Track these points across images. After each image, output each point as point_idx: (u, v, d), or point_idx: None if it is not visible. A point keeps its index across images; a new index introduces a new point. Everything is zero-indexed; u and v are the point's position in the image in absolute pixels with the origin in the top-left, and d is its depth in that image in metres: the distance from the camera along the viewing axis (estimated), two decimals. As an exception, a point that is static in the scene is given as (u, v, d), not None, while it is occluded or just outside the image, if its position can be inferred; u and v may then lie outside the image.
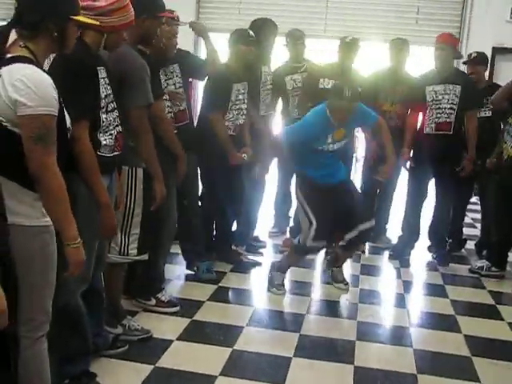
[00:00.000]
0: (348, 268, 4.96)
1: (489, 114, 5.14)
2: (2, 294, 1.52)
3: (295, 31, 5.33)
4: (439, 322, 3.96)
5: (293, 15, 7.97)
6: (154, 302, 3.76)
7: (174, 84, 3.98)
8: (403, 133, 5.00)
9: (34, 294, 2.07)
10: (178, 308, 3.78)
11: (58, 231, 2.09)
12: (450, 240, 5.38)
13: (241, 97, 4.45)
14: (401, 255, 5.20)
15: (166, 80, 3.91)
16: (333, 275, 4.46)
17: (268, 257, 5.08)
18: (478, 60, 5.21)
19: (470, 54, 5.30)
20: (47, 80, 1.97)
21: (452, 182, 4.92)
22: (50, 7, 2.04)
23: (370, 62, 5.42)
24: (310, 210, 3.98)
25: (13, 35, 2.06)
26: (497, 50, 7.76)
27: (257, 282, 4.60)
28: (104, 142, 2.59)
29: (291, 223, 5.61)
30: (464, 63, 5.37)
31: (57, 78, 2.06)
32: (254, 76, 4.69)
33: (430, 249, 5.35)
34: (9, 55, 1.98)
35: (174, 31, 3.89)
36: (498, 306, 4.27)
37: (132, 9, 2.63)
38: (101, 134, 2.57)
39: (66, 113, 2.13)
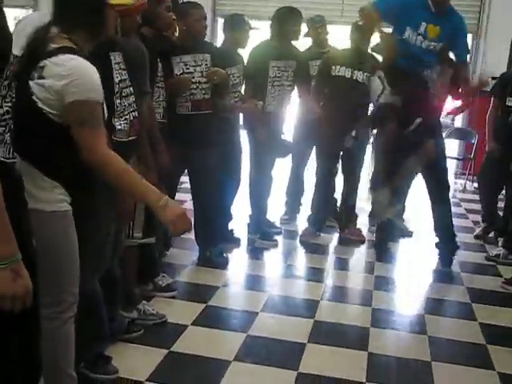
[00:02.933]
0: (363, 255, 4.98)
1: None
2: (27, 274, 1.54)
3: (315, 17, 5.32)
4: (455, 309, 3.95)
5: (310, 0, 7.90)
6: (151, 286, 3.77)
7: (202, 72, 4.02)
8: None
9: (61, 275, 2.12)
10: (175, 293, 3.78)
11: (144, 201, 2.20)
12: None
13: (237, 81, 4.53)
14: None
15: (193, 66, 3.99)
16: None
17: (283, 243, 5.08)
18: None
19: None
20: (92, 68, 2.01)
21: None
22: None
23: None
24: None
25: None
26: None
27: (270, 268, 4.62)
28: (119, 127, 2.60)
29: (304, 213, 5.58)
30: None
31: None
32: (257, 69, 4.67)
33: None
34: (53, 45, 2.00)
35: (200, 15, 3.97)
36: (514, 294, 4.24)
37: None
38: (115, 119, 2.58)
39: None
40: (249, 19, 4.77)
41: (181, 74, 3.98)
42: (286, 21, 4.65)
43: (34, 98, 1.96)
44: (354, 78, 4.81)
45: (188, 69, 4.00)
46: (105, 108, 2.15)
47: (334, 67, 4.83)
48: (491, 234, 5.49)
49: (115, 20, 2.26)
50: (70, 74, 1.94)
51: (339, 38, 5.63)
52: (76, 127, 1.98)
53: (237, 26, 4.56)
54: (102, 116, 2.08)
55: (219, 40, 8.04)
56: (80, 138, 1.99)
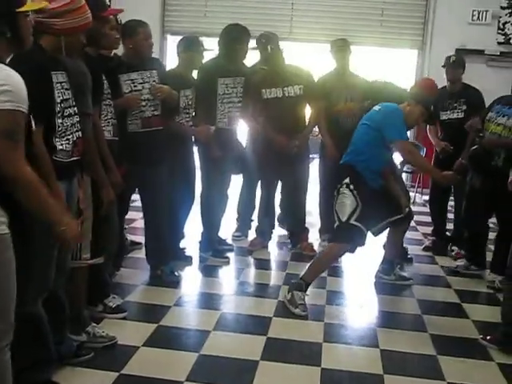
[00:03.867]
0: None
1: (461, 115, 5.25)
2: None
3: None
4: (406, 321, 3.99)
5: (259, 17, 7.96)
6: (101, 307, 3.70)
7: (150, 88, 4.03)
8: None
9: None
10: (125, 314, 3.72)
11: (47, 220, 2.15)
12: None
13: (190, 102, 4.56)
14: None
15: (141, 83, 4.01)
16: None
17: (235, 259, 5.06)
18: (458, 64, 5.32)
19: (449, 58, 5.38)
20: (18, 77, 1.97)
21: None
22: None
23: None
24: (360, 199, 3.98)
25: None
26: (460, 52, 7.87)
27: (223, 285, 4.59)
28: (60, 147, 2.55)
29: (254, 226, 5.61)
30: (443, 67, 5.40)
31: None
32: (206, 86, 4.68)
33: None
34: None
35: (146, 33, 3.99)
36: (463, 304, 4.32)
37: (88, 11, 2.60)
38: (57, 139, 2.54)
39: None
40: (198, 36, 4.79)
41: (129, 91, 3.96)
42: (233, 38, 4.67)
43: None
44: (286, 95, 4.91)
45: (136, 86, 3.99)
46: (32, 122, 2.11)
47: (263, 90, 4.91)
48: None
49: (30, 29, 2.18)
50: (1, 83, 1.90)
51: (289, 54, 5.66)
52: None
53: (191, 47, 4.55)
54: (27, 129, 2.02)
55: (168, 57, 8.07)
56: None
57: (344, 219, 3.97)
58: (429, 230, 5.94)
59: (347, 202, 3.98)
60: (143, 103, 4.01)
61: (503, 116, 4.47)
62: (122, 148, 3.64)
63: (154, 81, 4.07)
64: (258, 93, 4.92)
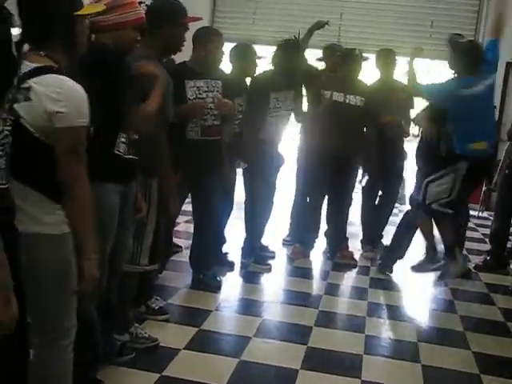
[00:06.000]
0: (356, 281, 4.97)
1: None
2: (15, 302, 1.53)
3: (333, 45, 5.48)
4: (448, 337, 3.94)
5: (307, 26, 7.95)
6: (144, 309, 3.74)
7: (213, 98, 4.03)
8: (402, 141, 5.37)
9: (63, 301, 2.07)
10: (167, 316, 3.75)
11: (79, 243, 2.05)
12: None
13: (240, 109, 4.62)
14: None
15: (206, 91, 4.01)
16: None
17: (277, 266, 5.07)
18: None
19: None
20: (81, 91, 1.95)
21: None
22: (52, 12, 1.99)
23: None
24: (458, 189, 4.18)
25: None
26: (511, 65, 7.77)
27: (264, 292, 4.60)
28: (122, 140, 2.61)
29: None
30: None
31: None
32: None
33: None
34: (33, 65, 1.92)
35: (220, 42, 4.04)
36: (508, 323, 4.23)
37: (138, 7, 2.61)
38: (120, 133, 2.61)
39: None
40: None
41: (194, 98, 3.97)
42: (289, 54, 4.69)
43: (22, 121, 1.88)
44: (347, 102, 4.92)
45: (200, 94, 4.00)
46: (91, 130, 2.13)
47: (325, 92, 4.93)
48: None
49: (85, 33, 2.17)
50: (62, 97, 1.88)
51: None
52: (64, 153, 1.93)
53: (244, 55, 4.61)
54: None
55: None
56: (67, 163, 1.94)
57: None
58: (474, 245, 5.84)
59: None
60: (205, 111, 4.00)
61: None
62: (179, 154, 3.67)
63: (218, 91, 4.06)
64: (319, 93, 4.97)
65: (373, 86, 5.34)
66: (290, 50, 4.70)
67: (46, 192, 1.97)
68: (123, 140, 2.60)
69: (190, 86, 3.94)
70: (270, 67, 4.87)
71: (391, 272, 5.05)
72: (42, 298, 2.00)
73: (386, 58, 5.28)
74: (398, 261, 5.10)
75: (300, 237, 5.47)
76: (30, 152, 1.93)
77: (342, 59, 5.01)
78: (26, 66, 1.90)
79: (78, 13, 2.05)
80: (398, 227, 5.08)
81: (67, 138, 1.92)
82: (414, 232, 4.94)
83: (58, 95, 1.88)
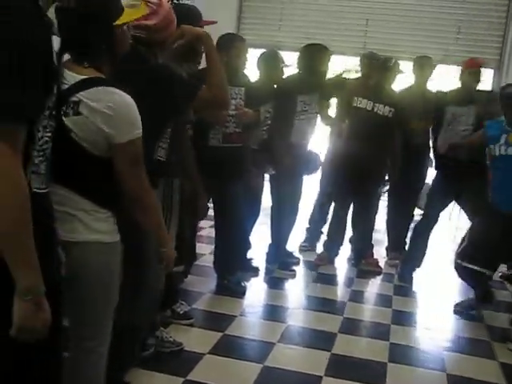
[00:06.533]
0: (380, 288, 4.95)
1: None
2: (48, 307, 1.55)
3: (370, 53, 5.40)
4: (474, 347, 3.90)
5: (333, 32, 7.98)
6: (169, 313, 3.76)
7: (236, 105, 4.04)
8: (428, 148, 5.22)
9: (103, 309, 2.08)
10: (192, 321, 3.77)
11: (158, 243, 2.23)
12: None
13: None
14: None
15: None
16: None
17: (301, 273, 5.07)
18: None
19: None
20: (131, 101, 1.91)
21: None
22: (94, 20, 1.90)
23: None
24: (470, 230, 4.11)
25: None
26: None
27: (288, 298, 4.60)
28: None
29: (322, 240, 5.61)
30: None
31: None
32: None
33: None
34: (79, 77, 1.88)
35: (244, 49, 4.05)
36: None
37: (175, 18, 2.60)
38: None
39: None
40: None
41: None
42: (314, 57, 4.71)
43: (72, 135, 1.86)
44: (375, 110, 4.88)
45: None
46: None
47: (356, 98, 4.90)
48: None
49: (128, 39, 2.09)
50: (115, 111, 1.85)
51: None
52: (126, 166, 1.93)
53: (271, 62, 4.63)
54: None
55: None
56: (130, 175, 1.95)
57: None
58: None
59: None
60: (228, 119, 4.00)
61: None
62: (201, 161, 3.69)
63: (241, 98, 4.08)
64: (350, 99, 4.96)
65: (404, 91, 5.33)
66: (314, 53, 4.73)
67: (98, 201, 1.97)
68: (162, 145, 2.66)
69: None
70: (295, 72, 4.88)
71: (411, 283, 5.01)
72: (85, 305, 2.02)
73: (423, 65, 5.25)
74: (418, 269, 5.08)
75: (325, 243, 5.46)
76: (80, 163, 1.92)
77: (378, 67, 4.99)
78: (72, 77, 1.88)
79: (120, 21, 1.97)
80: (411, 238, 5.07)
81: (127, 152, 1.92)
82: (427, 239, 4.93)
83: (110, 110, 1.84)
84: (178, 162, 3.04)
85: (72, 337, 2.08)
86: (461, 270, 4.20)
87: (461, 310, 4.45)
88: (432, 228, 4.97)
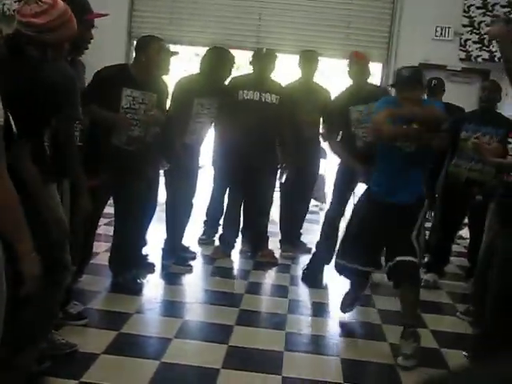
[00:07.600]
0: (277, 279, 5.04)
1: None
2: None
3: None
4: (365, 331, 4.05)
5: (226, 26, 8.01)
6: (61, 314, 3.64)
7: (145, 110, 4.07)
8: (315, 142, 5.36)
9: None
10: (86, 321, 3.68)
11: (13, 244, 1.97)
12: None
13: None
14: None
15: (140, 103, 4.03)
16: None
17: (198, 267, 5.07)
18: (438, 88, 5.35)
19: (430, 81, 5.25)
20: None
21: None
22: None
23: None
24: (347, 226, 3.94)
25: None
26: (423, 66, 8.03)
27: (185, 293, 4.59)
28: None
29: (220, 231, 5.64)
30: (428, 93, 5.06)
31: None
32: None
33: None
34: None
35: (161, 49, 4.06)
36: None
37: (74, 19, 2.57)
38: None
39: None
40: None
41: (127, 107, 3.96)
42: (216, 59, 4.73)
43: None
44: (263, 100, 4.98)
45: (134, 105, 4.00)
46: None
47: (241, 91, 5.00)
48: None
49: None
50: None
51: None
52: None
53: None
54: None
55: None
56: None
57: None
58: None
59: None
60: (134, 122, 4.00)
61: (484, 135, 4.55)
62: (101, 159, 3.62)
63: (153, 105, 4.08)
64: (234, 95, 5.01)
65: (291, 85, 5.42)
66: (221, 58, 4.75)
67: None
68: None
69: (126, 94, 3.96)
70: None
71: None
72: None
73: (309, 59, 5.35)
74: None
75: (220, 236, 5.50)
76: None
77: (257, 59, 5.07)
78: None
79: None
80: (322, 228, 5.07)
81: None
82: (337, 230, 4.94)
83: None
84: (63, 160, 2.96)
85: None
86: (340, 268, 4.08)
87: (348, 308, 4.24)
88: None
